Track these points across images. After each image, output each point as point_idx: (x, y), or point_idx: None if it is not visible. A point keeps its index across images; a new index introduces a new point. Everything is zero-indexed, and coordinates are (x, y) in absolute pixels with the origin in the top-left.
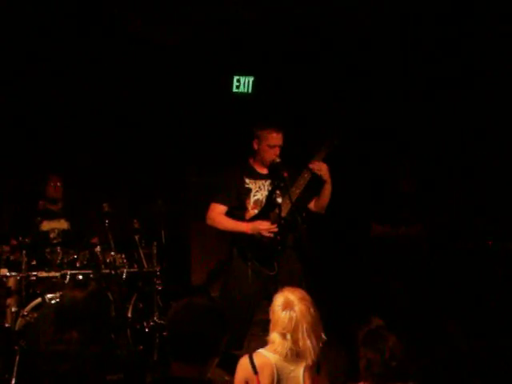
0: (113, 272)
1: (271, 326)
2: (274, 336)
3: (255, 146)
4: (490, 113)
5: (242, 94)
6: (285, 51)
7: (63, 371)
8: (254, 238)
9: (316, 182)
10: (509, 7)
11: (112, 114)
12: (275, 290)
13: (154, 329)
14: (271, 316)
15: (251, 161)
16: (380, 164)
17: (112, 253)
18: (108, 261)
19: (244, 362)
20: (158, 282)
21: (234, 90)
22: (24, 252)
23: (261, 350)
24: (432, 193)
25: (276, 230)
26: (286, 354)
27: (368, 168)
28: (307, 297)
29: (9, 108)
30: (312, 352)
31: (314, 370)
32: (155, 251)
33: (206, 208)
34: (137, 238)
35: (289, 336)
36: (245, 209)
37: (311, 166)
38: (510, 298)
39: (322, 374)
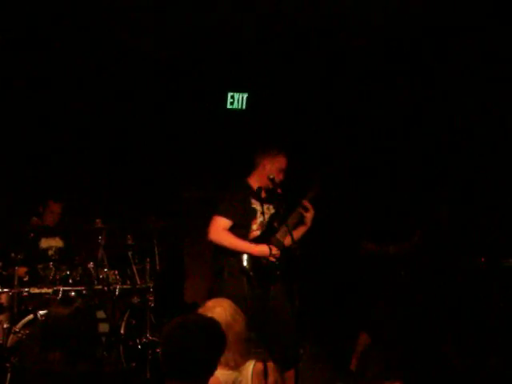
0: (106, 288)
1: None
2: None
3: (267, 166)
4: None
5: (236, 110)
6: (279, 68)
7: None
8: (255, 259)
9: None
10: None
11: (105, 129)
12: (268, 307)
13: (146, 346)
14: None
15: (251, 181)
16: (370, 180)
17: (105, 269)
18: (101, 277)
19: None
20: (150, 298)
21: (228, 106)
22: (16, 268)
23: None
24: (422, 208)
25: (279, 255)
26: (228, 364)
27: (358, 184)
28: (225, 303)
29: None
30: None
31: (262, 375)
32: (148, 267)
33: (207, 222)
34: (130, 254)
35: None
36: (249, 229)
37: (305, 203)
38: (502, 314)
39: (271, 380)
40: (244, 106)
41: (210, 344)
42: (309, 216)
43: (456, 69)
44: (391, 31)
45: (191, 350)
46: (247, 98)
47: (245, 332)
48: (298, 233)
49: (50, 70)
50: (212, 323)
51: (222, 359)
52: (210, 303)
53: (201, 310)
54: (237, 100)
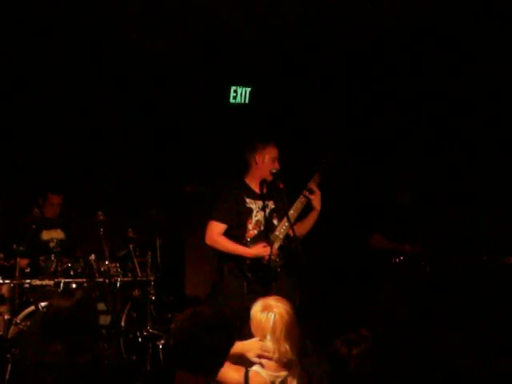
0: (107, 281)
1: (253, 332)
2: (255, 342)
3: (259, 161)
4: (486, 126)
5: (238, 104)
6: (282, 62)
7: (49, 382)
8: (254, 259)
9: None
10: None
11: (107, 123)
12: None
13: (147, 338)
14: (251, 323)
15: (248, 180)
16: (379, 176)
17: (106, 262)
18: (102, 269)
19: (238, 376)
20: (151, 291)
21: (231, 100)
22: (18, 259)
23: (256, 368)
24: (428, 208)
25: (277, 253)
26: (280, 360)
27: (368, 180)
28: (284, 301)
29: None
30: (288, 354)
31: (306, 380)
32: (149, 260)
33: (204, 223)
34: (131, 247)
35: (268, 337)
36: (245, 228)
37: (310, 186)
38: (504, 312)
39: None
40: (247, 100)
41: (221, 336)
42: (316, 198)
43: (455, 68)
44: (391, 30)
45: (203, 341)
46: (250, 92)
47: (295, 327)
48: (310, 220)
49: (50, 63)
50: (222, 315)
51: (277, 355)
52: (272, 301)
53: (262, 307)
54: (240, 94)
